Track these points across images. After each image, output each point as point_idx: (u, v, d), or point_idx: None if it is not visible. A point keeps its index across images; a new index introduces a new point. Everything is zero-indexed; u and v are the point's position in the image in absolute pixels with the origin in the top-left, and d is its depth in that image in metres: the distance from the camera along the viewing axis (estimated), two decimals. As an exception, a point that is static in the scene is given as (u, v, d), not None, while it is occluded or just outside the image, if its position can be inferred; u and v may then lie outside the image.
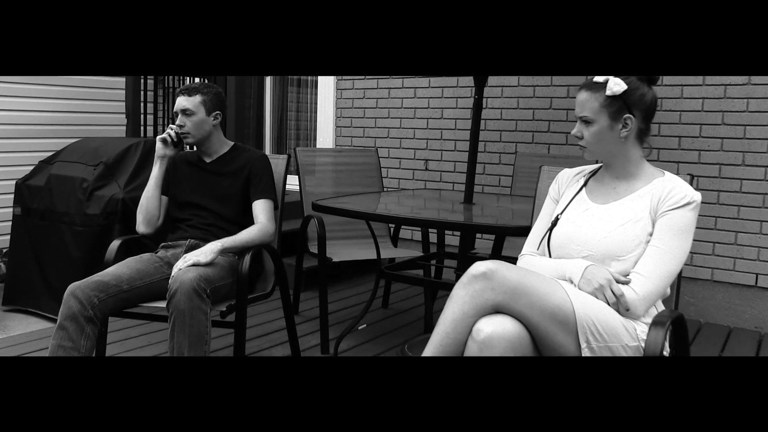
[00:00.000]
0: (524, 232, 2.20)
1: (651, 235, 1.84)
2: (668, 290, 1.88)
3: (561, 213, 2.01)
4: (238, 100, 5.38)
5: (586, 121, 1.90)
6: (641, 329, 1.77)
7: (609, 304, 1.76)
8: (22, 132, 4.95)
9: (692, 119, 3.82)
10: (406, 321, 3.82)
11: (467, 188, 3.25)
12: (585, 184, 2.04)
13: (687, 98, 3.82)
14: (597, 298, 1.76)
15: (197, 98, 2.73)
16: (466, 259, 3.17)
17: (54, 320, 3.82)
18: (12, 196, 4.20)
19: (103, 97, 5.38)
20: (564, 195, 2.07)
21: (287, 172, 2.98)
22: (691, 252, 3.72)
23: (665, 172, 1.95)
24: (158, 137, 2.79)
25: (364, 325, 3.64)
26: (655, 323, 1.69)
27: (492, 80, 4.48)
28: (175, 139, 2.78)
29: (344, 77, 5.21)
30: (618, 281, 1.79)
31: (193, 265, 2.41)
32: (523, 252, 2.08)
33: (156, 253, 2.72)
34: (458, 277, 3.27)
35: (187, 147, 2.88)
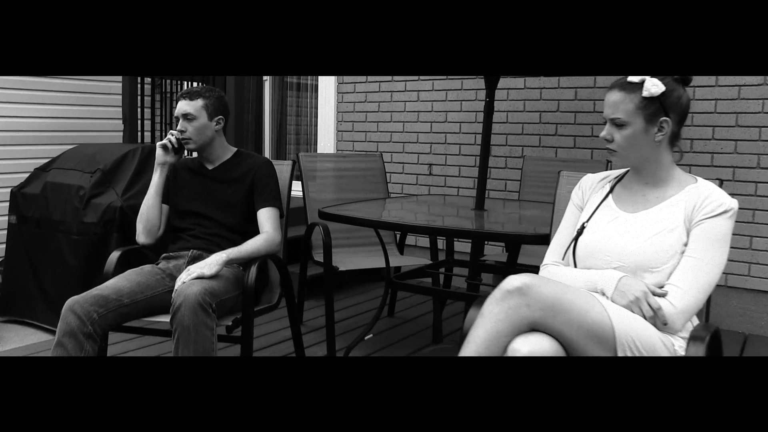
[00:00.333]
0: (545, 240, 2.11)
1: (686, 245, 1.74)
2: (702, 302, 1.78)
3: (587, 221, 1.91)
4: (236, 105, 5.30)
5: (619, 124, 1.79)
6: (679, 344, 1.68)
7: (645, 318, 1.66)
8: (17, 139, 4.84)
9: (705, 121, 3.73)
10: (413, 330, 3.72)
11: (479, 194, 3.15)
12: (611, 191, 1.94)
13: (699, 99, 3.73)
14: (632, 311, 1.66)
15: (199, 102, 2.62)
16: (477, 266, 3.08)
17: (51, 331, 3.73)
18: (7, 204, 4.10)
19: (99, 102, 5.28)
20: (589, 202, 1.97)
21: (292, 178, 2.88)
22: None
23: (697, 178, 1.85)
24: (158, 143, 2.68)
25: (371, 335, 3.54)
26: (694, 338, 1.59)
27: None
28: (176, 145, 2.67)
29: (344, 81, 5.12)
30: (654, 294, 1.69)
31: (198, 277, 2.30)
32: (545, 262, 1.98)
33: (157, 264, 2.61)
34: (470, 285, 3.20)
35: (188, 153, 2.77)
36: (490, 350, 1.59)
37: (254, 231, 2.61)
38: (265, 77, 5.93)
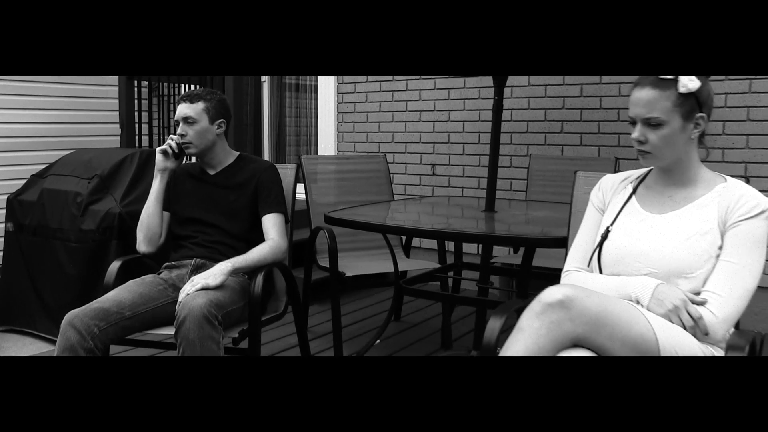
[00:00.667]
0: (564, 243, 2.02)
1: (720, 248, 1.66)
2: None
3: (611, 224, 1.81)
4: (235, 107, 5.20)
5: (655, 124, 1.68)
6: (719, 354, 1.59)
7: (685, 328, 1.58)
8: (13, 145, 4.76)
9: (715, 116, 3.60)
10: (421, 335, 3.63)
11: (489, 195, 3.06)
12: (634, 192, 1.85)
13: (709, 94, 3.65)
14: (670, 320, 1.58)
15: (200, 105, 2.54)
16: (488, 270, 2.99)
17: (50, 341, 3.65)
18: (3, 211, 4.03)
19: (95, 107, 5.19)
20: (610, 204, 1.88)
21: (296, 182, 2.79)
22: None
23: (726, 177, 1.76)
24: (158, 149, 2.59)
25: (378, 341, 3.46)
26: (732, 347, 1.51)
27: (502, 81, 4.32)
28: (176, 150, 2.58)
29: (344, 81, 5.04)
30: (693, 302, 1.60)
31: (202, 288, 2.21)
32: (567, 267, 1.88)
33: (159, 274, 2.52)
34: (480, 290, 3.11)
35: (188, 158, 2.68)
36: None
37: (259, 238, 2.52)
38: (263, 78, 5.84)
